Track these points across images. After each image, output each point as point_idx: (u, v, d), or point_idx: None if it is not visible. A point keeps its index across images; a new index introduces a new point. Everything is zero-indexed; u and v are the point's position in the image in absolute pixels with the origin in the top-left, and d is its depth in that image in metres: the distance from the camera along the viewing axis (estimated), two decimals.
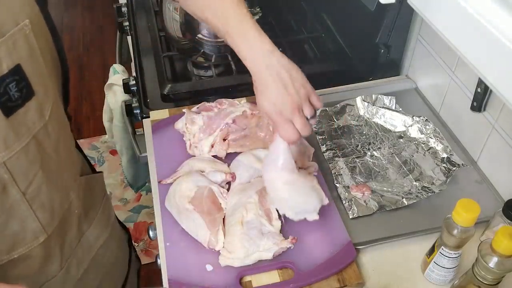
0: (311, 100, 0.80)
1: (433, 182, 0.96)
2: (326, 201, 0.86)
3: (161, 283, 0.84)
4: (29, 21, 0.64)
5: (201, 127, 1.00)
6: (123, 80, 1.27)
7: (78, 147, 0.93)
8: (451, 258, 0.78)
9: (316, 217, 0.82)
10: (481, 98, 0.95)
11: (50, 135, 0.72)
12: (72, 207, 0.83)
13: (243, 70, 1.27)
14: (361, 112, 1.13)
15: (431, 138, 1.04)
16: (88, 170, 0.96)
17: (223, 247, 0.83)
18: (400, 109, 1.11)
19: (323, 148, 1.04)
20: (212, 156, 0.99)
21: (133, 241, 1.17)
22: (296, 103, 0.77)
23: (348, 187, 0.95)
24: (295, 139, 0.78)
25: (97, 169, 1.03)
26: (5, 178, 0.66)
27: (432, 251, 0.80)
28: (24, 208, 0.71)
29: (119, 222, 1.10)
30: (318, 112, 0.94)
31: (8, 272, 0.75)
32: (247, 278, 0.81)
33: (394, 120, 1.09)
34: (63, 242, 0.83)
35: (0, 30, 0.59)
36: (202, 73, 1.32)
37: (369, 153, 1.04)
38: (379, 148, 1.05)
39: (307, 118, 0.79)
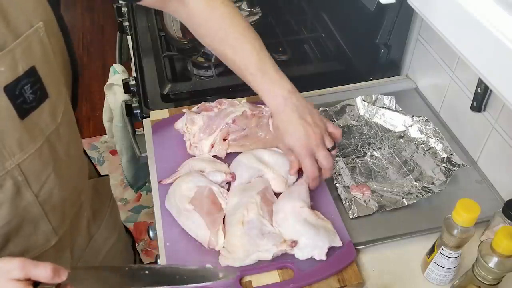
0: (329, 131, 0.88)
1: (433, 182, 0.96)
2: (338, 243, 0.83)
3: None
4: (43, 23, 0.64)
5: (201, 127, 1.00)
6: (123, 80, 1.27)
7: (83, 150, 0.93)
8: (451, 258, 0.78)
9: (324, 257, 0.81)
10: (481, 98, 0.95)
11: (62, 138, 0.72)
12: (82, 210, 0.83)
13: None
14: (361, 112, 1.13)
15: (431, 138, 1.04)
16: (94, 173, 0.97)
17: (223, 247, 0.83)
18: (400, 109, 1.11)
19: None
20: (212, 156, 0.99)
21: None
22: (319, 136, 0.85)
23: (348, 187, 0.95)
24: (317, 173, 0.86)
25: (97, 169, 1.04)
26: (19, 180, 0.66)
27: (432, 251, 0.80)
28: (36, 210, 0.71)
29: (124, 226, 1.10)
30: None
31: None
32: (247, 278, 0.81)
33: (394, 120, 1.09)
34: (73, 245, 0.83)
35: (15, 32, 0.60)
36: (202, 73, 1.33)
37: (369, 153, 1.04)
38: (379, 148, 1.05)
39: (328, 150, 0.86)
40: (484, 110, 0.96)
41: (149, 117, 1.12)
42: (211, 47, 0.91)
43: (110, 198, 0.99)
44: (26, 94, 0.62)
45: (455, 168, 0.97)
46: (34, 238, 0.73)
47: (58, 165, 0.72)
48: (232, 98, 1.11)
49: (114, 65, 1.43)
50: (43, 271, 0.57)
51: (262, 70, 0.86)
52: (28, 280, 0.57)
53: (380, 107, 1.12)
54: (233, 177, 0.93)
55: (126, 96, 1.29)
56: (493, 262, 0.69)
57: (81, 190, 0.83)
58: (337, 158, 1.02)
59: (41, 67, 0.64)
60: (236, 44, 0.86)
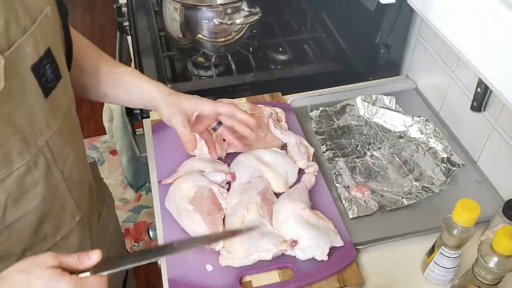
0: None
1: (433, 182, 0.96)
2: (340, 243, 0.84)
3: (161, 283, 0.84)
4: (50, 8, 0.68)
5: None
6: None
7: None
8: (451, 258, 0.78)
9: (325, 257, 0.81)
10: (481, 98, 0.95)
11: (72, 115, 0.78)
12: (91, 189, 0.88)
13: (243, 70, 1.28)
14: (361, 112, 1.13)
15: (431, 138, 1.04)
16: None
17: (223, 247, 0.83)
18: (400, 109, 1.11)
19: (323, 148, 1.04)
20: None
21: (133, 241, 1.19)
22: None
23: (348, 187, 0.95)
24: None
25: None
26: (48, 157, 0.70)
27: (432, 251, 0.80)
28: (63, 187, 0.75)
29: None
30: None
31: None
32: (247, 278, 0.81)
33: (394, 120, 1.09)
34: (91, 223, 0.87)
35: (31, 17, 0.63)
36: (202, 73, 1.33)
37: (369, 153, 1.04)
38: (379, 148, 1.05)
39: None
40: (484, 110, 0.96)
41: (149, 117, 1.12)
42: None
43: (103, 181, 1.03)
44: (47, 73, 0.67)
45: (455, 168, 0.97)
46: (63, 215, 0.78)
47: (75, 144, 0.78)
48: (232, 98, 1.11)
49: None
50: (73, 257, 0.62)
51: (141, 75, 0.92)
52: (62, 269, 0.61)
53: (380, 107, 1.12)
54: (233, 177, 0.93)
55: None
56: (493, 262, 0.69)
57: (90, 171, 0.89)
58: (337, 158, 1.02)
59: (54, 49, 0.69)
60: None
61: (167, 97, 0.87)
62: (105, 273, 0.63)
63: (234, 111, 0.89)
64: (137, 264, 0.65)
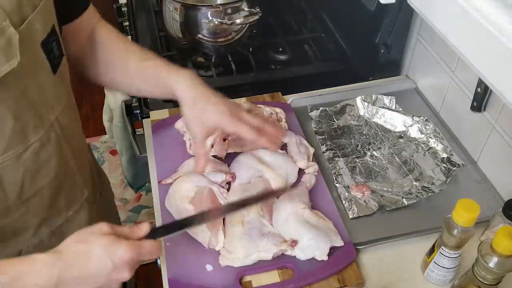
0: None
1: (433, 182, 0.96)
2: (340, 243, 0.83)
3: (161, 283, 0.84)
4: None
5: None
6: None
7: None
8: (451, 258, 0.78)
9: (325, 257, 0.81)
10: (481, 98, 0.95)
11: (71, 93, 0.80)
12: (92, 168, 0.91)
13: (243, 70, 1.28)
14: (361, 112, 1.13)
15: (431, 138, 1.04)
16: None
17: (223, 247, 0.83)
18: (400, 109, 1.11)
19: (323, 148, 1.04)
20: (212, 156, 0.99)
21: None
22: (234, 103, 0.86)
23: (348, 187, 0.95)
24: (255, 134, 0.82)
25: None
26: (58, 133, 0.73)
27: (432, 251, 0.80)
28: (72, 163, 0.78)
29: None
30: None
31: (64, 232, 0.80)
32: (247, 278, 0.81)
33: (394, 120, 1.09)
34: (96, 199, 0.90)
35: None
36: (202, 73, 1.33)
37: (369, 153, 1.04)
38: (379, 148, 1.05)
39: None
40: (484, 110, 0.96)
41: (149, 117, 1.12)
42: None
43: (96, 162, 1.06)
44: (54, 50, 0.69)
45: (455, 168, 0.97)
46: (73, 190, 0.81)
47: (77, 120, 0.81)
48: (232, 98, 1.10)
49: None
50: (125, 228, 0.66)
51: (163, 60, 0.86)
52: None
53: (380, 107, 1.12)
54: (233, 177, 0.92)
55: (126, 96, 1.29)
56: (493, 262, 0.69)
57: (89, 149, 0.92)
58: (337, 158, 1.02)
59: (56, 27, 0.70)
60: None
61: (191, 106, 0.81)
62: (159, 238, 0.67)
63: (256, 137, 0.81)
64: (182, 231, 0.72)
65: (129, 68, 0.86)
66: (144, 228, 0.67)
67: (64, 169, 0.76)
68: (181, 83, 0.82)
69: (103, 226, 0.64)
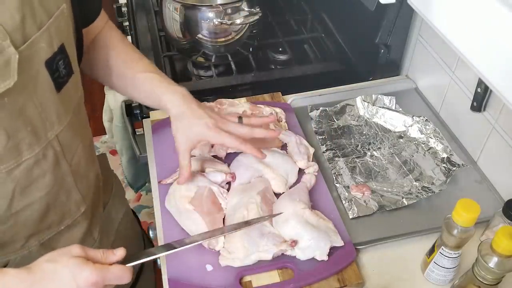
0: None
1: (433, 182, 0.96)
2: (340, 243, 0.83)
3: (161, 283, 0.84)
4: (65, 5, 0.69)
5: None
6: None
7: None
8: (451, 258, 0.78)
9: (325, 257, 0.81)
10: (481, 98, 0.95)
11: (81, 110, 0.80)
12: (98, 180, 0.90)
13: (243, 70, 1.28)
14: (361, 112, 1.13)
15: (431, 138, 1.04)
16: None
17: (223, 247, 0.83)
18: (400, 109, 1.11)
19: (323, 148, 1.04)
20: (212, 156, 0.99)
21: None
22: (219, 115, 0.88)
23: (348, 187, 0.95)
24: (241, 142, 0.85)
25: None
26: (57, 150, 0.72)
27: (432, 251, 0.80)
28: (69, 179, 0.77)
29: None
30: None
31: (53, 245, 0.81)
32: (247, 278, 0.81)
33: (394, 120, 1.09)
34: (96, 213, 0.89)
35: (48, 13, 0.65)
36: (202, 73, 1.33)
37: (369, 153, 1.04)
38: (379, 148, 1.05)
39: None
40: (484, 110, 0.96)
41: (149, 117, 1.12)
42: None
43: (112, 173, 1.05)
44: (60, 68, 0.69)
45: (455, 168, 0.97)
46: (68, 206, 0.80)
47: (83, 137, 0.80)
48: (232, 98, 1.11)
49: None
50: (98, 252, 0.65)
51: (161, 74, 0.91)
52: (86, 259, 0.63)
53: (380, 107, 1.12)
54: (233, 177, 0.92)
55: (126, 96, 1.29)
56: (493, 262, 0.69)
57: (97, 163, 0.91)
58: (337, 158, 1.02)
59: (67, 45, 0.70)
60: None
61: (179, 120, 0.86)
62: (129, 265, 0.66)
63: (240, 146, 0.86)
64: (154, 258, 0.70)
65: (126, 76, 0.90)
66: (118, 253, 0.66)
67: (60, 185, 0.75)
68: (171, 100, 0.87)
69: (74, 248, 0.63)
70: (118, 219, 1.00)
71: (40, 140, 0.68)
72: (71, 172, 0.77)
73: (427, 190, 0.94)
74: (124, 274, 0.65)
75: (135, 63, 0.90)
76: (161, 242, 0.87)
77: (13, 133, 0.64)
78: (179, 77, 1.33)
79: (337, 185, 0.96)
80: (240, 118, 0.90)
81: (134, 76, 0.89)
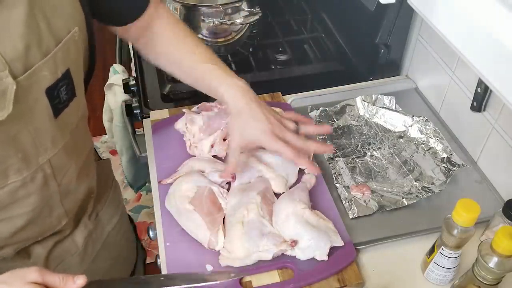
0: (286, 116, 0.90)
1: (433, 182, 0.96)
2: (340, 243, 0.83)
3: None
4: (78, 28, 0.66)
5: (201, 127, 1.00)
6: (123, 80, 1.27)
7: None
8: (451, 258, 0.78)
9: (325, 257, 0.81)
10: (481, 98, 0.95)
11: (80, 130, 0.78)
12: (90, 193, 0.88)
13: (243, 70, 1.28)
14: (361, 112, 1.13)
15: (431, 138, 1.04)
16: (97, 156, 1.02)
17: (223, 247, 0.83)
18: (400, 109, 1.11)
19: None
20: (212, 156, 0.99)
21: None
22: (279, 121, 0.85)
23: (348, 187, 0.95)
24: (294, 152, 0.83)
25: (97, 152, 1.07)
26: (48, 173, 0.70)
27: (432, 251, 0.80)
28: (56, 197, 0.76)
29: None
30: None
31: (29, 251, 0.80)
32: (247, 278, 0.81)
33: (394, 120, 1.09)
34: (81, 223, 0.88)
35: (56, 38, 0.62)
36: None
37: (369, 153, 1.04)
38: (379, 148, 1.05)
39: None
40: (484, 110, 0.96)
41: (149, 117, 1.12)
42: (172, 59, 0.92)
43: (112, 179, 1.03)
44: (62, 95, 0.67)
45: (455, 168, 0.97)
46: (49, 220, 0.78)
47: (78, 156, 0.78)
48: None
49: (114, 65, 1.42)
50: (57, 277, 0.60)
51: (219, 64, 0.88)
52: (44, 286, 0.59)
53: (380, 107, 1.12)
54: (233, 177, 0.92)
55: (126, 96, 1.29)
56: (493, 262, 0.69)
57: (93, 176, 0.89)
58: (337, 158, 1.02)
59: (73, 70, 0.68)
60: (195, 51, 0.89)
61: (236, 117, 0.84)
62: None
63: (296, 159, 0.83)
64: None
65: (184, 64, 0.88)
66: (79, 281, 0.62)
67: (45, 203, 0.74)
68: (230, 93, 0.84)
69: (32, 273, 0.59)
70: (109, 228, 0.97)
71: (30, 165, 0.67)
72: (59, 191, 0.75)
73: (427, 190, 0.94)
74: None
75: (191, 50, 0.88)
76: (161, 242, 0.87)
77: (2, 159, 0.62)
78: None
79: (337, 185, 0.96)
80: (297, 123, 0.88)
81: (191, 65, 0.87)
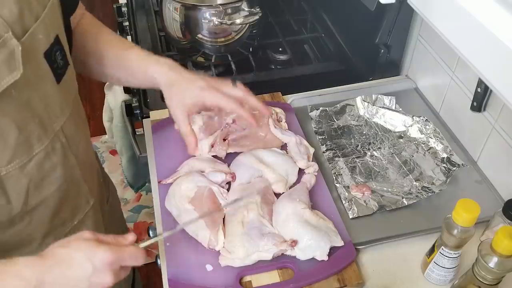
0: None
1: (433, 182, 0.96)
2: (340, 243, 0.83)
3: (161, 283, 0.84)
4: None
5: (201, 127, 1.00)
6: None
7: None
8: (451, 258, 0.78)
9: (325, 257, 0.81)
10: (481, 98, 0.95)
11: (79, 102, 0.80)
12: (99, 174, 0.91)
13: (243, 70, 1.28)
14: (361, 112, 1.13)
15: (431, 138, 1.04)
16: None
17: (223, 247, 0.83)
18: (400, 109, 1.11)
19: (323, 148, 1.04)
20: (212, 156, 0.99)
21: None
22: (214, 78, 0.86)
23: (348, 187, 0.95)
24: (239, 105, 0.84)
25: None
26: (63, 142, 0.72)
27: (432, 251, 0.80)
28: (77, 172, 0.78)
29: None
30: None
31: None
32: (247, 278, 0.81)
33: (394, 120, 1.09)
34: (102, 207, 0.90)
35: (42, 3, 0.65)
36: (202, 73, 1.32)
37: (369, 153, 1.04)
38: (379, 148, 1.05)
39: None
40: (484, 110, 0.96)
41: (149, 117, 1.12)
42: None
43: (104, 170, 1.06)
44: (58, 60, 0.69)
45: (455, 168, 0.97)
46: (79, 200, 0.81)
47: (84, 129, 0.81)
48: None
49: None
50: (110, 237, 0.65)
51: (142, 49, 0.89)
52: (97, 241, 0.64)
53: (380, 107, 1.12)
54: (233, 177, 0.92)
55: (126, 96, 1.29)
56: (493, 262, 0.69)
57: (96, 156, 0.91)
58: (337, 158, 1.02)
59: (61, 36, 0.70)
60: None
61: (170, 88, 0.84)
62: (142, 245, 0.67)
63: (237, 109, 0.84)
64: (162, 238, 0.74)
65: (109, 57, 0.88)
66: (129, 238, 0.66)
67: (70, 178, 0.76)
68: (159, 69, 0.85)
69: (85, 233, 0.64)
70: (118, 214, 1.02)
71: (47, 132, 0.69)
72: (78, 165, 0.77)
73: (427, 190, 0.94)
74: (139, 254, 0.65)
75: (116, 43, 0.89)
76: (161, 242, 0.87)
77: (23, 126, 0.65)
78: None
79: (337, 185, 0.96)
80: (234, 82, 0.87)
81: (118, 55, 0.87)
